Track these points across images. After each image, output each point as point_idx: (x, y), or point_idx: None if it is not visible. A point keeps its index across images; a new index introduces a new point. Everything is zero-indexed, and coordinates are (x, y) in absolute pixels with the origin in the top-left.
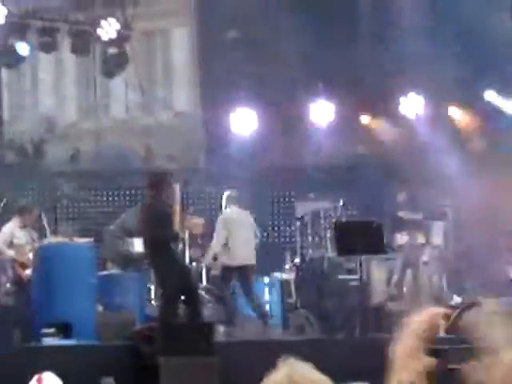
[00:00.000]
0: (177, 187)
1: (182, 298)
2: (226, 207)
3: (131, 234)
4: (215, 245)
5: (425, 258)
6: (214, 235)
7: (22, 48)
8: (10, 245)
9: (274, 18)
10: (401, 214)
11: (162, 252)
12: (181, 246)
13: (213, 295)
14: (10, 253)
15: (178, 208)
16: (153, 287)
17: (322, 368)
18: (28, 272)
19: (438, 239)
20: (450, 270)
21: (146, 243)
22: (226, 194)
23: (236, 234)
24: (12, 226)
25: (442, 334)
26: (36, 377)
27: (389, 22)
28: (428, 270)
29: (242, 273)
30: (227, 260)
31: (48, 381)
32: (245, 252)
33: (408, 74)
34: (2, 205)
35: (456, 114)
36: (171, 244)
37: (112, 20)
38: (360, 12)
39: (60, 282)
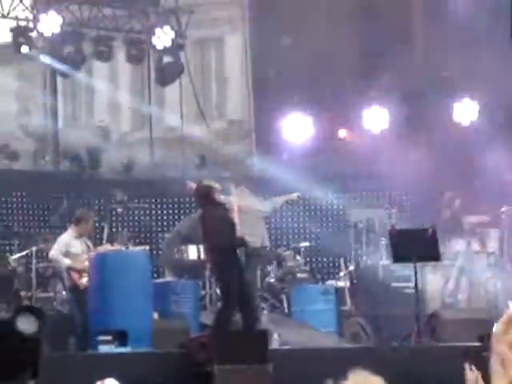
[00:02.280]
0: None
1: (240, 305)
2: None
3: (187, 242)
4: None
5: (480, 265)
6: None
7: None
8: (67, 254)
9: (326, 24)
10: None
11: (228, 259)
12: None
13: (268, 303)
14: (67, 261)
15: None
16: (208, 295)
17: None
18: (84, 280)
19: (493, 246)
20: (506, 276)
21: (211, 251)
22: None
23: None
24: (68, 236)
25: None
26: (98, 383)
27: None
28: (483, 277)
29: (247, 257)
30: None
31: None
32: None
33: (462, 80)
34: (60, 211)
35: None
36: (236, 252)
37: (167, 28)
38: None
39: (116, 289)
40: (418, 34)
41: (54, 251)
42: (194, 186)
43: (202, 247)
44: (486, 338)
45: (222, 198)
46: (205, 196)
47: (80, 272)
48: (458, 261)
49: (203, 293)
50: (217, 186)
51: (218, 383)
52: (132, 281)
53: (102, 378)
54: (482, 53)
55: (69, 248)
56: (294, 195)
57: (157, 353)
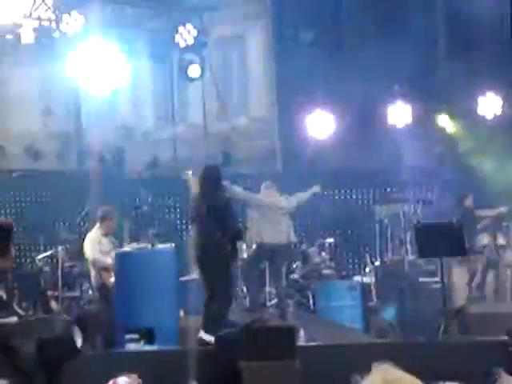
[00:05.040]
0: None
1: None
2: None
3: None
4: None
5: (506, 259)
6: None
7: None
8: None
9: (349, 19)
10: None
11: (225, 248)
12: None
13: (293, 299)
14: (109, 260)
15: None
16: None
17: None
18: (113, 279)
19: None
20: None
21: (207, 235)
22: (263, 183)
23: (265, 216)
24: (96, 234)
25: None
26: (111, 381)
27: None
28: (510, 272)
29: (272, 254)
30: (256, 239)
31: None
32: (273, 233)
33: (486, 74)
34: (83, 214)
35: None
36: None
37: (190, 26)
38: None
39: (142, 287)
40: None
41: (93, 252)
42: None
43: None
44: None
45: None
46: (215, 178)
47: (109, 270)
48: (484, 255)
49: None
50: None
51: (246, 380)
52: (158, 278)
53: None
54: None
55: (100, 246)
56: (317, 187)
57: (184, 350)
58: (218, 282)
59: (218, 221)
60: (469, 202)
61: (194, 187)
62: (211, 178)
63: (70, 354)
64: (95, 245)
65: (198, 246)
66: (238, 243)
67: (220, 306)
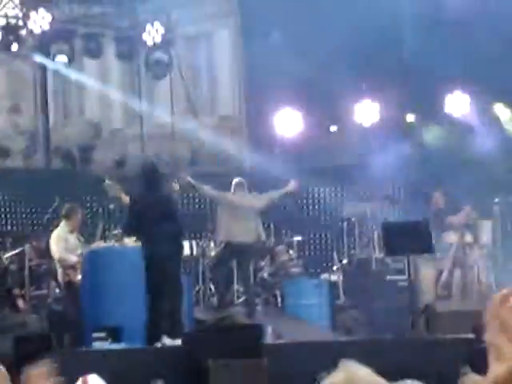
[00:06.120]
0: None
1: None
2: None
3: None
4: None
5: (473, 257)
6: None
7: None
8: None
9: (316, 18)
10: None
11: (165, 245)
12: None
13: (261, 297)
14: (74, 258)
15: None
16: (201, 290)
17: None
18: (79, 277)
19: (486, 238)
20: (499, 268)
21: (146, 233)
22: (234, 181)
23: (233, 214)
24: (62, 231)
25: None
26: (81, 378)
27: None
28: (477, 269)
29: (241, 252)
30: (225, 238)
31: (93, 383)
32: (241, 231)
33: (454, 73)
34: (53, 208)
35: (502, 112)
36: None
37: (157, 24)
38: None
39: (109, 286)
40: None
41: (59, 250)
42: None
43: (194, 243)
44: (479, 329)
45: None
46: (152, 174)
47: (75, 268)
48: (451, 253)
49: (196, 288)
50: (163, 171)
51: (213, 378)
52: (125, 277)
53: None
54: None
55: (66, 244)
56: (291, 185)
57: (151, 349)
58: (166, 280)
59: (160, 220)
60: (438, 200)
61: (118, 193)
62: (150, 179)
63: (44, 350)
64: (61, 242)
65: (143, 247)
66: (183, 240)
67: (171, 304)
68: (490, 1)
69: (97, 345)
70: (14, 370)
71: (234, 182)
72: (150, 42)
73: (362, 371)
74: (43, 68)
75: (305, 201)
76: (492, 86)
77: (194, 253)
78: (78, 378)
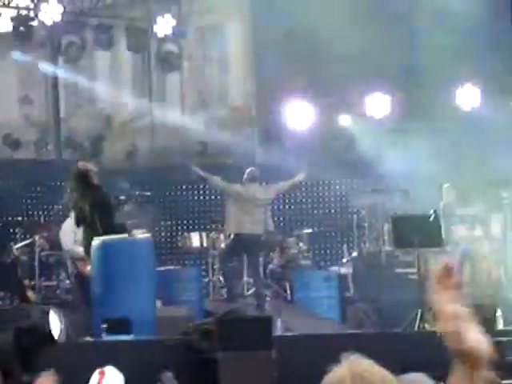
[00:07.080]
0: None
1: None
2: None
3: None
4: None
5: (483, 250)
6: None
7: None
8: (74, 242)
9: (326, 10)
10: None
11: None
12: None
13: (271, 290)
14: (81, 249)
15: None
16: (211, 282)
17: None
18: (89, 268)
19: (496, 231)
20: (509, 262)
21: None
22: (247, 170)
23: (243, 206)
24: (72, 223)
25: None
26: (98, 370)
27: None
28: (486, 263)
29: (250, 244)
30: (234, 230)
31: (110, 374)
32: (250, 224)
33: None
34: (61, 203)
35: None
36: None
37: (168, 16)
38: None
39: (119, 277)
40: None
41: (68, 241)
42: None
43: (204, 234)
44: (488, 322)
45: (97, 180)
46: (83, 177)
47: (84, 260)
48: (461, 246)
49: (206, 280)
50: (93, 167)
51: (222, 370)
52: (135, 268)
53: (106, 365)
54: None
55: (75, 236)
56: (301, 176)
57: (160, 340)
58: None
59: (100, 219)
60: (449, 194)
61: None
62: (84, 180)
63: (46, 342)
64: (70, 234)
65: (86, 248)
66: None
67: None
68: None
69: (106, 336)
70: (15, 362)
71: (247, 172)
72: (160, 34)
73: (365, 363)
74: (54, 59)
75: (315, 193)
76: None
77: (204, 244)
78: (88, 369)
